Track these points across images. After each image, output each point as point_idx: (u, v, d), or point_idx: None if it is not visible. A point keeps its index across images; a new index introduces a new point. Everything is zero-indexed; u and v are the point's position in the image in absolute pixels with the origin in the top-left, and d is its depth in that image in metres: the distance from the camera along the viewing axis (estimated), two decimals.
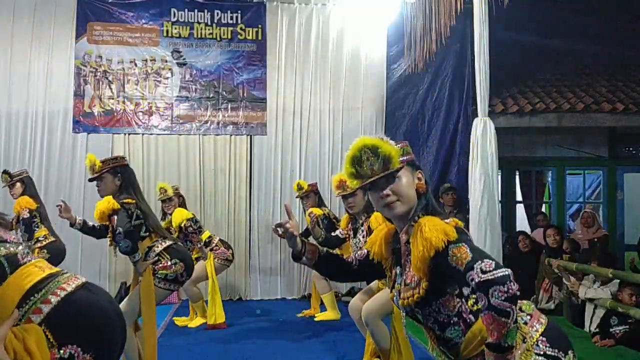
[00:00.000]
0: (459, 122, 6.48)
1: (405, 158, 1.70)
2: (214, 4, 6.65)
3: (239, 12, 6.68)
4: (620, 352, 4.25)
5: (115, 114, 6.44)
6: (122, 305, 3.28)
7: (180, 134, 6.52)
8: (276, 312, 5.84)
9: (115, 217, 3.24)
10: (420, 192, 1.71)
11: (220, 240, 5.33)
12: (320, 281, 5.42)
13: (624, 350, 4.27)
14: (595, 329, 4.68)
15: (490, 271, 1.46)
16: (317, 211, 4.93)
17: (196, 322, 5.16)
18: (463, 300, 1.63)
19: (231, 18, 6.67)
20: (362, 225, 3.58)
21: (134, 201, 3.27)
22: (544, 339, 1.61)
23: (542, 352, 1.58)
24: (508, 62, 7.03)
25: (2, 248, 1.54)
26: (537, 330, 1.62)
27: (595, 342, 4.46)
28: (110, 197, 3.28)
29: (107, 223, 3.34)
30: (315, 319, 5.40)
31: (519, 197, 7.76)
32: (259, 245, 6.59)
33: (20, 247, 1.61)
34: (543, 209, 8.00)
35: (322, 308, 5.57)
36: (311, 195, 5.35)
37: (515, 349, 1.51)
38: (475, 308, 1.58)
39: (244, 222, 6.57)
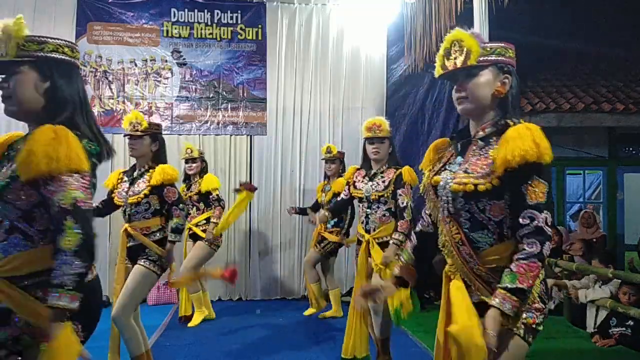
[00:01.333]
0: (459, 122, 6.48)
1: (492, 58, 1.68)
2: (214, 4, 6.65)
3: (239, 12, 6.68)
4: (620, 352, 4.25)
5: (115, 114, 6.44)
6: (120, 299, 3.27)
7: (180, 134, 6.51)
8: (276, 312, 5.84)
9: (173, 189, 3.36)
10: (497, 96, 1.69)
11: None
12: (332, 277, 5.50)
13: (623, 351, 4.28)
14: (595, 329, 4.68)
15: (549, 225, 1.57)
16: (338, 187, 4.89)
17: (195, 320, 5.16)
18: (509, 213, 1.65)
19: (231, 18, 6.67)
20: (382, 172, 3.62)
21: None
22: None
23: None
24: None
25: None
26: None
27: (596, 342, 4.46)
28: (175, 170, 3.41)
29: (149, 186, 3.33)
30: (319, 316, 5.42)
31: None
32: (259, 245, 6.59)
33: None
34: None
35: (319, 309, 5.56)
36: (337, 161, 5.41)
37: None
38: (521, 233, 1.58)
39: (244, 221, 6.57)
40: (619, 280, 4.68)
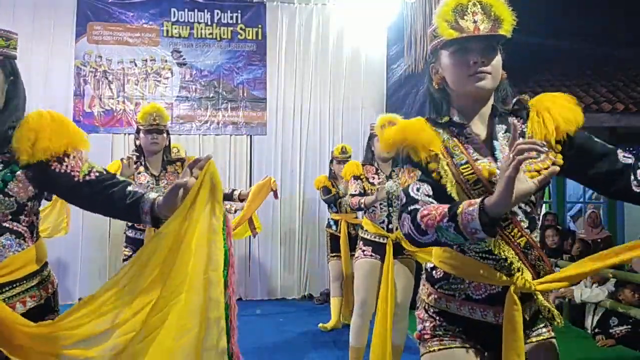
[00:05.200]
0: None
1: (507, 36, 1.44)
2: (214, 4, 6.65)
3: (239, 12, 6.68)
4: (621, 352, 4.25)
5: (115, 114, 6.44)
6: None
7: (180, 134, 6.51)
8: (276, 312, 5.84)
9: None
10: (502, 81, 1.52)
11: None
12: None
13: (624, 351, 4.27)
14: (595, 329, 4.68)
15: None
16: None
17: None
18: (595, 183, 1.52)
19: (231, 18, 6.68)
20: (392, 170, 3.63)
21: None
22: None
23: None
24: (508, 63, 6.97)
25: None
26: None
27: (598, 342, 4.45)
28: None
29: None
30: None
31: None
32: (259, 245, 6.58)
33: None
34: (543, 209, 8.01)
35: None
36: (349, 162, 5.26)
37: None
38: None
39: None
40: (614, 280, 4.68)
